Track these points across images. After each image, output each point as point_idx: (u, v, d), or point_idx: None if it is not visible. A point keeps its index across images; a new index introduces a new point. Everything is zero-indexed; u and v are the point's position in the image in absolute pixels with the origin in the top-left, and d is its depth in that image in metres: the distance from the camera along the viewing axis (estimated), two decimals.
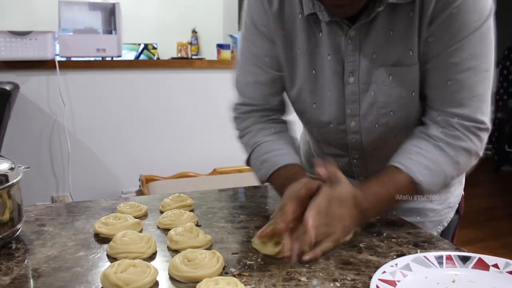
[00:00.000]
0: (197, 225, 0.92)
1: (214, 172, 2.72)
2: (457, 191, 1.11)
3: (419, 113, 0.93)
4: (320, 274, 0.72)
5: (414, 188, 0.84)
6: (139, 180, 2.58)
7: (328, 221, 0.75)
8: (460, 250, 0.81)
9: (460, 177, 1.10)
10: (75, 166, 2.64)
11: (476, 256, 0.74)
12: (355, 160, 1.04)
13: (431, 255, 0.74)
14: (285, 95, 1.05)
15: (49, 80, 2.56)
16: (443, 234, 1.10)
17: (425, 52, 0.85)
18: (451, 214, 1.11)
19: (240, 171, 2.68)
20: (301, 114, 1.04)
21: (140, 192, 2.51)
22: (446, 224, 1.10)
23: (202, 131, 2.88)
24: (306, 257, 0.72)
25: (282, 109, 1.06)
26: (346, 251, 0.80)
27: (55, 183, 2.65)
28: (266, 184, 1.01)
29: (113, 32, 2.64)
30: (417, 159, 0.85)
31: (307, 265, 0.75)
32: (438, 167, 0.85)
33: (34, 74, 2.54)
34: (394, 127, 0.94)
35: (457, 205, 1.12)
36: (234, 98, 1.06)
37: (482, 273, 0.71)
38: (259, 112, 1.03)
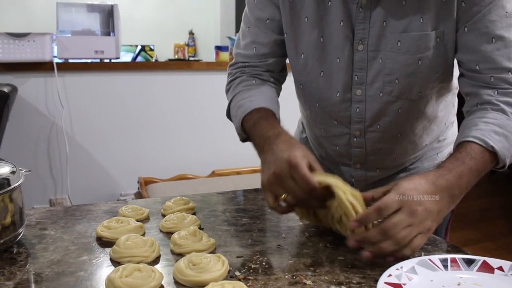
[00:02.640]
0: (200, 228, 0.91)
1: (213, 174, 2.72)
2: None
3: (423, 88, 0.94)
4: (326, 278, 0.71)
5: (489, 157, 0.81)
6: (138, 182, 2.57)
7: (412, 221, 0.72)
8: (463, 252, 0.81)
9: None
10: (73, 169, 2.63)
11: (480, 258, 0.74)
12: (355, 139, 1.02)
13: (436, 258, 0.74)
14: (281, 61, 1.07)
15: (47, 82, 2.55)
16: (436, 230, 1.11)
17: (460, 18, 0.87)
18: None
19: (238, 173, 2.68)
20: (305, 87, 1.04)
21: (138, 195, 2.50)
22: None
23: (200, 133, 2.87)
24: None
25: (274, 71, 1.07)
26: (351, 254, 0.80)
27: (53, 185, 2.64)
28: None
29: (111, 33, 2.64)
30: (482, 127, 0.83)
31: (312, 269, 0.74)
32: (507, 130, 0.83)
33: (32, 76, 2.53)
34: (397, 97, 0.95)
35: None
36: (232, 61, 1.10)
37: (487, 276, 0.71)
38: (250, 67, 1.05)
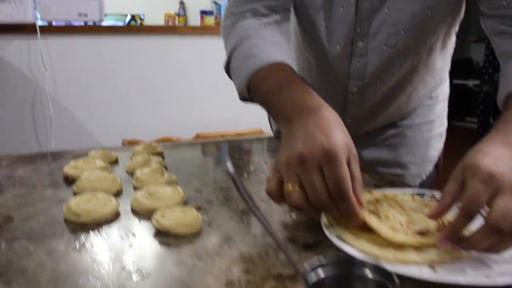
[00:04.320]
0: (166, 168, 0.93)
1: (197, 137, 2.74)
2: (438, 144, 1.13)
3: (429, 39, 0.89)
4: (277, 207, 0.74)
5: None
6: (122, 144, 2.59)
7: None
8: None
9: (441, 131, 1.13)
10: (58, 131, 2.64)
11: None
12: (351, 95, 0.98)
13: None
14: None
15: (30, 45, 2.54)
16: (421, 187, 1.11)
17: None
18: (430, 168, 1.12)
19: (223, 136, 2.69)
20: (304, 37, 0.98)
21: None
22: (424, 178, 1.11)
23: (185, 96, 2.88)
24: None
25: (279, 8, 0.89)
26: None
27: (37, 148, 2.65)
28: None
29: None
30: None
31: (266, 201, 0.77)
32: None
33: (14, 39, 2.51)
34: (403, 52, 0.89)
35: (437, 159, 1.13)
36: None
37: None
38: (251, 4, 0.87)
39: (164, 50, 2.81)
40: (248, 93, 0.77)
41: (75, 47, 2.63)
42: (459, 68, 5.83)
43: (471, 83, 5.73)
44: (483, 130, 5.06)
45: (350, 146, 0.59)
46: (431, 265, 0.54)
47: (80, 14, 2.56)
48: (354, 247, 0.57)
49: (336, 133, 0.59)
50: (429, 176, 1.11)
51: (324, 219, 0.63)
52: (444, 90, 1.12)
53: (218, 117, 2.80)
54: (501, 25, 0.78)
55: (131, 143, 2.61)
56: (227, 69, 0.86)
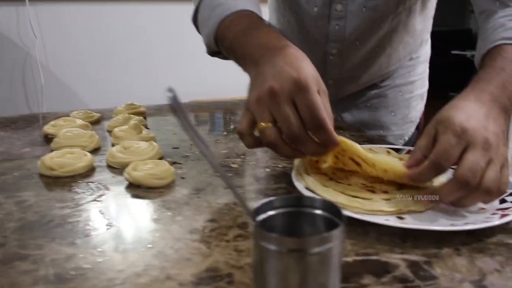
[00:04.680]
0: (147, 128, 0.93)
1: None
2: (419, 106, 1.13)
3: (411, 1, 0.88)
4: (253, 163, 0.74)
5: None
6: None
7: (490, 154, 0.53)
8: None
9: (422, 92, 1.13)
10: (49, 100, 2.63)
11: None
12: (331, 57, 0.97)
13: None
14: None
15: (18, 11, 2.50)
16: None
17: None
18: (412, 129, 1.12)
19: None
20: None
21: None
22: (406, 139, 1.12)
23: (178, 62, 2.86)
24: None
25: None
26: None
27: None
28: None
29: None
30: (507, 25, 0.70)
31: (242, 157, 0.77)
32: None
33: (2, 5, 2.47)
34: (382, 13, 0.88)
35: (418, 120, 1.14)
36: None
37: None
38: None
39: (157, 16, 2.77)
40: (216, 45, 0.74)
41: (64, 13, 2.59)
42: (458, 38, 5.78)
43: (469, 53, 5.66)
44: None
45: (319, 80, 0.57)
46: (399, 216, 0.55)
47: None
48: (322, 197, 0.57)
49: (305, 66, 0.57)
50: (410, 137, 1.12)
51: (294, 171, 0.64)
52: (425, 51, 1.12)
53: (212, 83, 2.79)
54: None
55: None
56: (195, 21, 0.84)
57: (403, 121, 1.10)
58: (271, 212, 0.37)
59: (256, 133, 0.58)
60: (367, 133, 0.97)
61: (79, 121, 0.92)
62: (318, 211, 0.37)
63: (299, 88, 0.54)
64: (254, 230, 0.34)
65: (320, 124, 0.54)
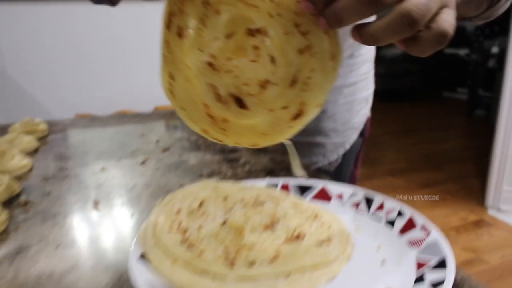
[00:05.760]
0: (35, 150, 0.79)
1: (155, 110, 2.58)
2: (363, 110, 1.00)
3: None
4: None
5: None
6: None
7: None
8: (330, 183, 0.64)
9: (366, 95, 0.99)
10: (7, 107, 2.48)
11: (319, 185, 0.61)
12: None
13: (264, 182, 0.61)
14: None
15: None
16: (345, 157, 1.00)
17: None
18: (354, 136, 1.00)
19: None
20: None
21: None
22: (348, 147, 0.99)
23: (142, 66, 2.71)
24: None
25: None
26: None
27: None
28: None
29: None
30: None
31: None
32: None
33: None
34: None
35: (362, 126, 1.01)
36: None
37: (321, 204, 0.59)
38: None
39: (119, 17, 2.62)
40: None
41: (22, 14, 2.44)
42: None
43: (462, 52, 5.51)
44: (472, 101, 4.88)
45: None
46: None
47: None
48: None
49: None
50: (353, 145, 0.97)
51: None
52: (369, 49, 0.98)
53: None
54: None
55: (83, 117, 2.45)
56: None
57: (345, 127, 0.96)
58: None
59: None
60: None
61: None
62: None
63: None
64: None
65: None
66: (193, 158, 0.75)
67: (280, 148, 0.83)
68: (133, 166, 0.72)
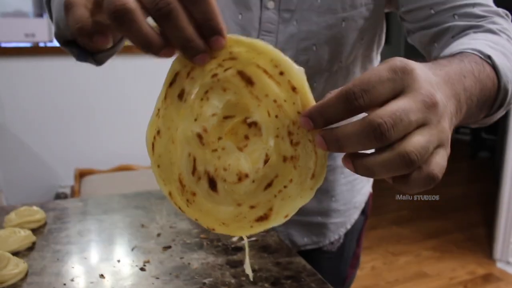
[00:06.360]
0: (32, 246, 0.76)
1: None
2: (364, 189, 0.98)
3: (347, 61, 0.78)
4: None
5: (489, 69, 0.54)
6: (74, 174, 2.41)
7: (429, 116, 0.37)
8: None
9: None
10: (7, 160, 2.47)
11: None
12: None
13: None
14: None
15: None
16: (347, 237, 0.97)
17: None
18: (355, 215, 0.97)
19: None
20: None
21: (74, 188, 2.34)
22: (349, 227, 0.96)
23: (142, 120, 2.70)
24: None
25: None
26: None
27: None
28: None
29: (44, 15, 2.45)
30: (472, 42, 0.60)
31: None
32: (504, 47, 0.60)
33: None
34: (315, 70, 0.78)
35: (364, 204, 0.98)
36: None
37: None
38: None
39: (120, 71, 2.63)
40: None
41: (23, 69, 2.45)
42: None
43: None
44: (475, 143, 4.86)
45: None
46: None
47: (27, 35, 2.39)
48: None
49: None
50: (355, 224, 0.95)
51: None
52: None
53: None
54: (434, 30, 0.68)
55: (84, 172, 2.43)
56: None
57: (346, 207, 0.93)
58: None
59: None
60: (280, 260, 0.78)
61: None
62: None
63: None
64: None
65: None
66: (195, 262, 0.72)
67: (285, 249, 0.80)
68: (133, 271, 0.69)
